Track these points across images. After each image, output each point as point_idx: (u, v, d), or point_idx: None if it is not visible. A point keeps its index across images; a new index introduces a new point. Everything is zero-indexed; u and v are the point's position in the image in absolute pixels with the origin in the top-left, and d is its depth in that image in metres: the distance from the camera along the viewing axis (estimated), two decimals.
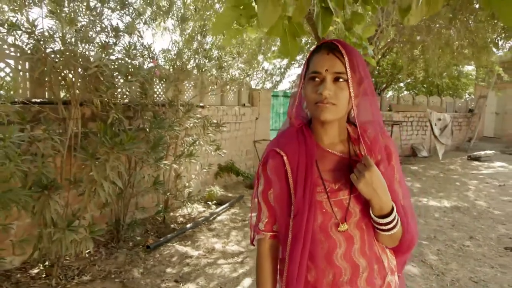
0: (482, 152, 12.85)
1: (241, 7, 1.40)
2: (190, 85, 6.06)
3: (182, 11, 5.04)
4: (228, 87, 5.99)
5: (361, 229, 1.23)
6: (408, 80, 17.84)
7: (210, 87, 5.85)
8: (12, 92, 2.96)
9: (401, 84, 18.63)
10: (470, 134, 15.88)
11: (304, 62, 1.29)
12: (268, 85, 9.12)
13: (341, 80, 1.17)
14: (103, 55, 3.34)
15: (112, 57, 3.59)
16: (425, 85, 17.57)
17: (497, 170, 10.97)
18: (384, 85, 16.58)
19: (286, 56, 1.53)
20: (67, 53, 3.30)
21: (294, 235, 1.21)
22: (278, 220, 1.31)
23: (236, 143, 8.41)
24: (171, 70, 5.03)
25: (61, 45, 3.27)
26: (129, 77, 3.46)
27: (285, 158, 1.26)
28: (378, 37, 5.88)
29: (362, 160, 1.18)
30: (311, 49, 1.15)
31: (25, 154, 3.02)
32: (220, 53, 5.17)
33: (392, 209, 1.18)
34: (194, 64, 5.15)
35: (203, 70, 4.93)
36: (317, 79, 1.19)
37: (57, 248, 3.40)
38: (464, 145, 15.29)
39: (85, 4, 3.34)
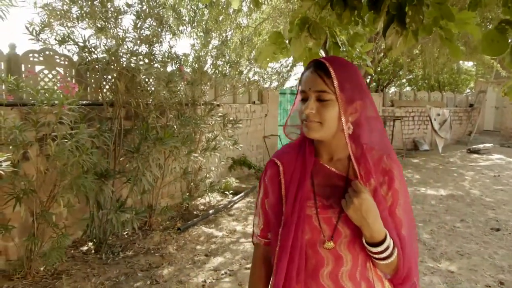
0: (481, 145, 13.42)
1: (277, 44, 2.03)
2: (207, 87, 6.71)
3: (204, 23, 5.67)
4: (243, 88, 6.62)
5: (354, 251, 1.19)
6: (410, 77, 18.42)
7: (226, 88, 6.48)
8: (74, 98, 3.60)
9: (403, 80, 19.19)
10: (470, 128, 16.46)
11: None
12: (275, 83, 9.71)
13: (323, 98, 1.16)
14: (146, 65, 3.98)
15: (152, 65, 4.22)
16: (426, 81, 18.12)
17: (494, 162, 11.56)
18: (387, 81, 17.17)
19: None
20: (115, 64, 3.95)
21: (282, 245, 1.20)
22: (272, 229, 1.31)
23: (247, 138, 9.04)
24: (190, 73, 5.67)
25: (112, 57, 3.90)
26: (169, 83, 4.11)
27: (280, 168, 1.28)
28: (379, 41, 6.48)
29: (352, 185, 1.15)
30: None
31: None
32: (238, 59, 5.81)
33: (385, 237, 1.14)
34: (214, 69, 5.80)
35: (225, 74, 5.57)
36: (304, 98, 1.20)
37: (110, 227, 4.08)
38: (465, 139, 15.87)
39: (131, 22, 3.98)
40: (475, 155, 12.71)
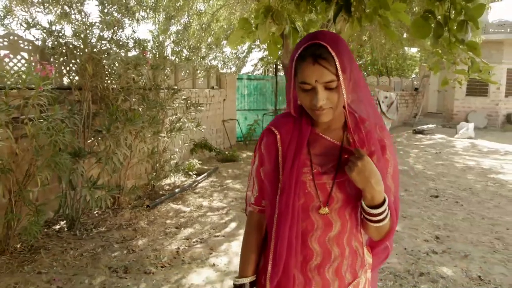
0: (425, 126, 14.44)
1: (245, 29, 2.37)
2: (168, 71, 6.91)
3: (163, 8, 5.87)
4: (203, 73, 6.88)
5: (344, 218, 1.25)
6: (360, 62, 19.29)
7: (188, 72, 6.72)
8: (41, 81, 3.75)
9: None
10: (415, 110, 17.57)
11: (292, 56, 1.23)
12: (233, 68, 10.03)
13: (332, 87, 1.15)
14: (116, 49, 4.18)
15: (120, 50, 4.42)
16: (375, 66, 19.05)
17: (436, 141, 12.54)
18: None
19: (271, 55, 2.52)
20: (84, 48, 4.12)
21: (281, 212, 1.24)
22: (266, 197, 1.33)
23: (207, 122, 9.31)
24: (150, 57, 5.87)
25: (81, 42, 4.07)
26: (137, 66, 4.33)
27: (278, 136, 1.29)
28: (330, 28, 6.93)
29: (354, 152, 1.18)
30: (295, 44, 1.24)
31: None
32: (198, 44, 6.06)
33: (384, 200, 1.19)
34: (175, 54, 6.02)
35: (188, 59, 5.82)
36: (307, 87, 1.17)
37: (84, 204, 4.28)
38: (410, 121, 16.95)
39: (99, 8, 4.15)
40: (420, 135, 13.67)
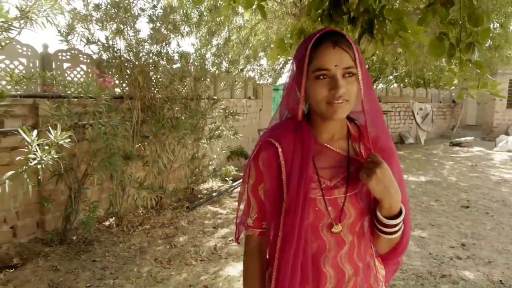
0: (463, 139, 14.24)
1: (280, 47, 2.72)
2: (208, 82, 7.37)
3: (205, 24, 6.33)
4: (241, 84, 7.29)
5: (355, 233, 1.16)
6: (396, 74, 19.25)
7: (228, 83, 7.16)
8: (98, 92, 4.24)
9: (390, 77, 20.02)
10: (453, 122, 17.32)
11: (298, 55, 1.15)
12: (270, 79, 10.40)
13: (350, 74, 1.08)
14: (165, 62, 4.64)
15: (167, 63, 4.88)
16: (411, 78, 18.95)
17: (474, 153, 12.37)
18: (374, 78, 17.96)
19: None
20: (137, 61, 4.60)
21: (286, 233, 1.12)
22: (268, 217, 1.21)
23: (244, 131, 9.70)
24: (192, 69, 6.33)
25: (134, 56, 4.55)
26: (182, 79, 4.77)
27: (279, 149, 1.17)
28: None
29: (370, 157, 1.09)
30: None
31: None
32: (237, 57, 6.49)
33: (401, 210, 1.11)
34: (215, 66, 6.47)
35: (228, 71, 6.25)
36: (325, 76, 1.07)
37: (130, 203, 4.72)
38: (448, 133, 16.73)
39: (149, 25, 4.64)
40: (457, 148, 13.51)
